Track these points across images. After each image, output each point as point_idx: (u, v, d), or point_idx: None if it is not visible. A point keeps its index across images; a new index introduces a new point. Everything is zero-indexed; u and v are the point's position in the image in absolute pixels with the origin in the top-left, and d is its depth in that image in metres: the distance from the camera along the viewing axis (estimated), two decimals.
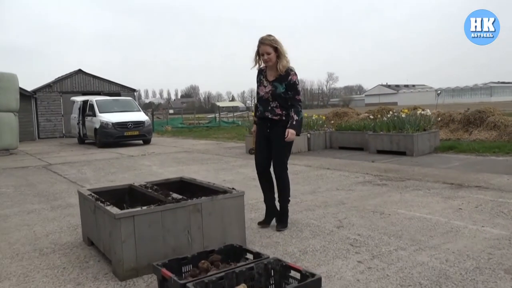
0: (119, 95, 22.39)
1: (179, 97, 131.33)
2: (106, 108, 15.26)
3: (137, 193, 3.81)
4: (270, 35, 3.52)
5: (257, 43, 3.53)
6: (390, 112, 10.40)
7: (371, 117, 10.53)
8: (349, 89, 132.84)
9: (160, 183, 4.06)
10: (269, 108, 3.58)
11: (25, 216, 4.74)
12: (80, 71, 22.57)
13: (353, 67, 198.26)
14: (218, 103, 73.82)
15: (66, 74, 22.44)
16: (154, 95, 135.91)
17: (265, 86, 3.63)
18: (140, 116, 15.23)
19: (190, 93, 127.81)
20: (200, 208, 3.10)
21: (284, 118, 3.56)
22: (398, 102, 79.21)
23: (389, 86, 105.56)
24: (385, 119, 9.56)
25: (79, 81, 22.46)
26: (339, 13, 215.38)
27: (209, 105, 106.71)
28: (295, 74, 3.54)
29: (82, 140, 16.62)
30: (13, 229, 4.22)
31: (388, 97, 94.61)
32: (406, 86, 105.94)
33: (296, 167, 7.71)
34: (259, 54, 3.56)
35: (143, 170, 8.10)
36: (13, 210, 5.07)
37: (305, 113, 12.23)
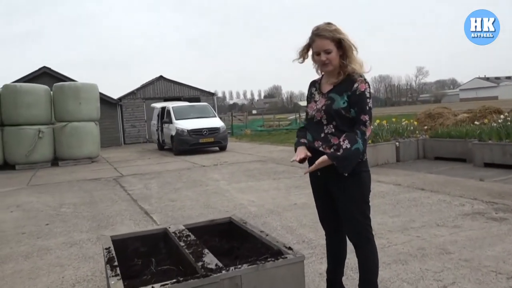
0: (198, 99, 22.45)
1: (262, 97, 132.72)
2: (182, 114, 15.08)
3: (170, 243, 3.00)
4: (330, 24, 2.29)
5: (310, 35, 2.32)
6: (501, 116, 8.54)
7: (476, 123, 8.77)
8: (441, 84, 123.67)
9: (204, 226, 3.23)
10: (322, 135, 2.31)
11: (66, 250, 4.21)
12: (161, 77, 23.03)
13: (445, 59, 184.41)
14: (300, 103, 72.70)
15: (148, 81, 23.03)
16: (238, 96, 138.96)
17: (316, 102, 2.39)
18: (215, 122, 14.80)
19: (273, 93, 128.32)
20: (240, 283, 2.18)
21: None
22: (498, 96, 71.42)
23: (487, 79, 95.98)
24: (495, 124, 7.84)
25: (161, 87, 22.92)
26: None
27: (291, 105, 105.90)
28: (365, 82, 2.26)
29: (161, 146, 16.70)
30: (44, 271, 3.66)
31: (487, 91, 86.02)
32: (509, 78, 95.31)
33: (381, 186, 6.47)
34: (310, 50, 2.36)
35: (210, 187, 7.42)
36: (59, 240, 4.59)
37: (394, 117, 10.80)
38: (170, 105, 15.98)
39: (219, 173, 9.00)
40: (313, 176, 2.47)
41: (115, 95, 22.17)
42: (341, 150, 2.19)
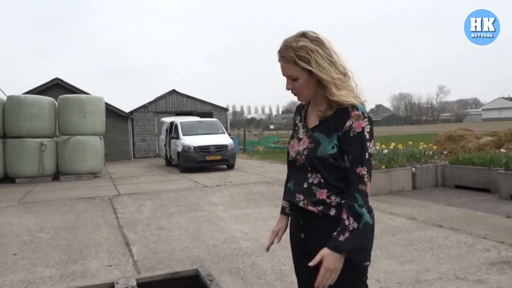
0: (211, 114, 22.02)
1: (280, 112, 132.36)
2: (190, 130, 14.60)
3: None
4: (302, 36, 1.63)
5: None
6: None
7: (503, 150, 7.95)
8: (463, 103, 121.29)
9: (162, 281, 2.61)
10: (305, 185, 1.69)
11: None
12: (174, 91, 22.72)
13: (467, 78, 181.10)
14: None
15: (161, 95, 22.74)
16: (256, 111, 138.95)
17: (299, 139, 1.75)
18: (223, 139, 14.24)
19: (291, 109, 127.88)
20: None
21: (334, 211, 1.62)
22: None
23: (511, 99, 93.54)
24: None
25: (173, 101, 22.60)
26: (448, 13, 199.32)
27: None
28: (364, 117, 1.59)
29: (169, 162, 16.22)
30: None
31: (511, 112, 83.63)
32: None
33: (394, 219, 5.75)
34: None
35: (205, 212, 6.80)
36: (17, 276, 4.03)
37: (413, 137, 10.05)
38: (178, 120, 15.54)
39: (219, 196, 8.38)
40: (293, 233, 1.81)
41: (128, 108, 21.94)
42: (347, 234, 1.51)
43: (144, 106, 22.08)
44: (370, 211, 1.56)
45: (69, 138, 12.51)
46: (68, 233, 5.75)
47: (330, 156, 1.59)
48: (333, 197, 1.61)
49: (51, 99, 12.92)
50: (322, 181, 1.63)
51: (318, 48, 1.59)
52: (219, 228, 5.70)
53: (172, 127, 15.48)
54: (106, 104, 19.01)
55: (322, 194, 1.63)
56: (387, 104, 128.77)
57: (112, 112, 20.06)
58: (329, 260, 1.52)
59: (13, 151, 12.00)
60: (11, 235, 5.71)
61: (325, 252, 1.53)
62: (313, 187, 1.65)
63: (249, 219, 6.14)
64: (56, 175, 12.70)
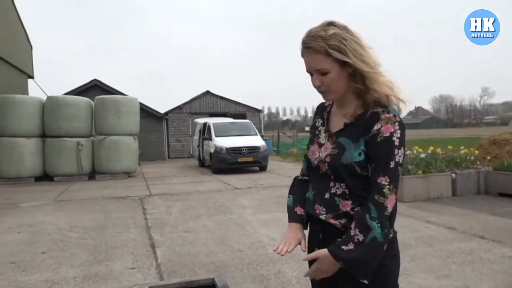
0: (245, 116, 22.00)
1: None
2: (222, 131, 14.58)
3: None
4: (329, 25, 1.42)
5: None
6: None
7: None
8: (509, 105, 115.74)
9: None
10: (327, 195, 1.50)
11: None
12: (208, 92, 22.87)
13: None
14: None
15: (195, 96, 22.92)
16: (291, 112, 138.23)
17: (320, 144, 1.55)
18: (256, 140, 14.13)
19: None
20: None
21: None
22: None
23: None
24: None
25: (207, 102, 22.75)
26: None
27: None
28: (395, 121, 1.39)
29: (202, 163, 16.28)
30: None
31: None
32: None
33: (430, 228, 5.42)
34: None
35: (233, 215, 6.68)
36: (42, 276, 4.04)
37: (450, 145, 9.56)
38: (211, 121, 15.57)
39: (249, 199, 8.25)
40: (312, 245, 1.62)
41: (163, 109, 22.25)
42: (351, 245, 1.36)
43: (178, 107, 22.34)
44: (384, 227, 1.35)
45: (105, 138, 12.77)
46: (97, 232, 5.78)
47: (357, 164, 1.41)
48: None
49: (88, 99, 13.24)
50: (346, 191, 1.46)
51: (350, 36, 1.41)
52: (246, 232, 5.56)
53: (205, 128, 15.52)
54: (142, 105, 19.41)
55: (346, 205, 1.46)
56: (427, 106, 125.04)
57: (147, 113, 20.42)
58: (324, 263, 1.42)
59: (52, 150, 12.36)
60: (42, 233, 5.80)
61: (323, 253, 1.42)
62: (336, 198, 1.48)
63: (278, 224, 5.96)
64: (92, 174, 12.98)
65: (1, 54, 13.70)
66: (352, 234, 1.36)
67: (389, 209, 1.37)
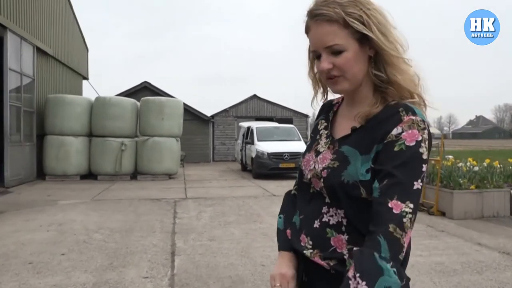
0: (291, 121, 21.59)
1: None
2: (265, 136, 14.29)
3: None
4: None
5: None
6: None
7: None
8: None
9: None
10: (316, 224, 1.12)
11: None
12: (254, 96, 22.71)
13: None
14: None
15: (242, 100, 22.84)
16: None
17: (318, 153, 1.17)
18: (299, 146, 13.68)
19: None
20: None
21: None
22: None
23: None
24: None
25: (253, 106, 22.58)
26: None
27: None
28: (424, 127, 1.00)
29: (244, 167, 16.08)
30: None
31: None
32: None
33: (481, 252, 4.78)
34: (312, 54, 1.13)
35: (263, 225, 6.34)
36: (53, 280, 3.91)
37: (511, 157, 8.64)
38: (254, 125, 15.34)
39: None
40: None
41: (210, 112, 22.36)
42: None
43: (225, 111, 22.36)
44: (401, 276, 0.91)
45: (148, 139, 12.88)
46: (122, 235, 5.65)
47: (362, 185, 1.02)
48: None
49: (133, 100, 13.45)
50: (343, 221, 1.07)
51: (374, 6, 1.05)
52: (273, 244, 5.18)
53: (248, 132, 15.32)
54: (189, 107, 19.61)
55: (339, 242, 1.07)
56: (490, 115, 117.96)
57: (194, 115, 20.59)
58: None
59: (97, 149, 12.64)
60: (69, 233, 5.76)
61: None
62: (328, 229, 1.09)
63: None
64: (134, 174, 13.14)
65: (59, 57, 14.25)
66: (350, 284, 0.91)
67: (405, 249, 0.95)
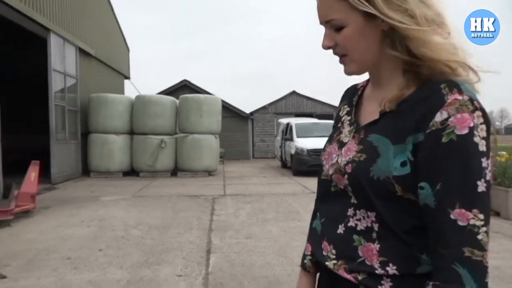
0: (331, 117, 21.14)
1: None
2: (304, 132, 14.02)
3: None
4: None
5: None
6: None
7: None
8: None
9: None
10: (341, 230, 0.92)
11: None
12: (294, 92, 22.44)
13: None
14: None
15: (281, 96, 22.63)
16: None
17: (341, 144, 0.97)
18: None
19: None
20: None
21: (395, 284, 0.83)
22: None
23: None
24: None
25: (293, 103, 22.32)
26: None
27: None
28: (476, 108, 0.76)
29: (284, 164, 15.89)
30: None
31: None
32: None
33: None
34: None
35: (302, 223, 6.13)
36: (90, 275, 3.90)
37: None
38: (293, 121, 15.10)
39: None
40: None
41: (249, 109, 22.32)
42: None
43: (264, 107, 22.24)
44: None
45: (187, 136, 12.96)
46: (159, 232, 5.63)
47: (397, 181, 0.82)
48: (392, 264, 0.84)
49: (172, 98, 13.58)
50: (375, 227, 0.87)
51: None
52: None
53: (287, 128, 15.10)
54: (228, 104, 19.64)
55: (369, 252, 0.87)
56: None
57: (233, 112, 20.60)
58: None
59: (138, 147, 12.87)
60: (108, 229, 5.81)
61: None
62: (355, 237, 0.89)
63: None
64: (175, 171, 13.27)
65: (101, 57, 14.64)
66: None
67: (487, 275, 0.75)
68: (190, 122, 12.95)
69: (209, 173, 13.32)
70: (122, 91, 18.21)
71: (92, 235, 5.45)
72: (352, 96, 1.06)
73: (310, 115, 20.98)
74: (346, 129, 0.99)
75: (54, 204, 7.70)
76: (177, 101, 13.59)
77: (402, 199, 0.82)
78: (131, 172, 13.16)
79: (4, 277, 3.76)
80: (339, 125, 1.04)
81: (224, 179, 12.24)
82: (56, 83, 10.90)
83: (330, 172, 0.96)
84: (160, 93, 18.41)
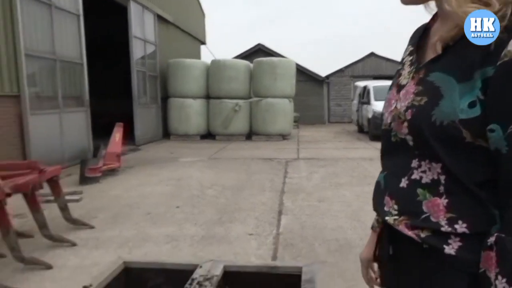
0: None
1: None
2: (382, 95, 13.26)
3: None
4: None
5: None
6: None
7: None
8: None
9: (255, 275, 2.04)
10: (404, 183, 0.81)
11: (156, 247, 3.66)
12: (372, 54, 21.38)
13: None
14: None
15: (358, 59, 21.68)
16: None
17: (400, 87, 0.85)
18: None
19: None
20: None
21: (457, 247, 0.73)
22: None
23: None
24: None
25: (371, 65, 21.32)
26: None
27: None
28: None
29: (360, 129, 15.39)
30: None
31: None
32: None
33: None
34: None
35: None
36: (167, 230, 4.10)
37: None
38: (371, 84, 14.42)
39: None
40: (380, 251, 0.98)
41: (325, 73, 21.73)
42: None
43: (340, 70, 21.51)
44: None
45: (261, 100, 12.98)
46: (232, 193, 5.76)
47: (464, 125, 0.70)
48: (462, 221, 0.73)
49: (246, 62, 13.58)
50: (441, 179, 0.75)
51: None
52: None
53: (364, 91, 14.49)
54: (303, 68, 19.28)
55: (435, 207, 0.76)
56: None
57: (308, 76, 20.20)
58: None
59: (214, 111, 13.19)
60: (186, 188, 6.07)
61: None
62: (420, 190, 0.78)
63: None
64: (249, 135, 13.44)
65: (178, 23, 15.00)
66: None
67: None
68: (264, 85, 12.91)
69: (283, 137, 13.31)
70: (198, 56, 18.61)
71: (170, 194, 5.73)
72: (419, 35, 0.91)
73: (389, 78, 19.89)
74: (406, 70, 0.87)
75: (137, 164, 8.20)
76: (251, 65, 13.57)
77: (473, 146, 0.71)
78: (208, 135, 13.57)
79: (92, 227, 4.09)
80: (400, 67, 0.92)
81: (298, 143, 12.17)
82: (136, 50, 11.39)
83: (389, 120, 0.86)
84: (235, 57, 18.52)
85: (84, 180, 6.23)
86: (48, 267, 3.12)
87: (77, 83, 8.49)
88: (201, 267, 2.03)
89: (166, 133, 13.41)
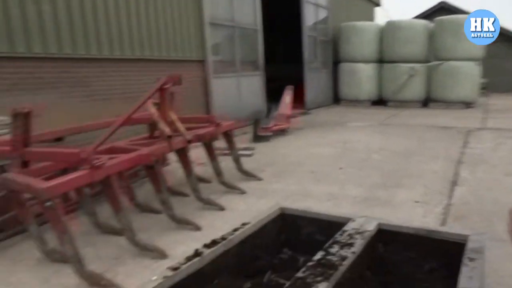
0: None
1: None
2: None
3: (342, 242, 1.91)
4: None
5: None
6: None
7: None
8: None
9: (413, 237, 1.89)
10: None
11: (317, 203, 3.73)
12: None
13: None
14: None
15: None
16: None
17: None
18: None
19: None
20: None
21: None
22: None
23: None
24: None
25: None
26: None
27: None
28: None
29: None
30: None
31: None
32: None
33: None
34: None
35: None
36: (329, 189, 4.15)
37: None
38: None
39: None
40: None
41: None
42: None
43: None
44: None
45: (442, 63, 11.72)
46: (401, 158, 5.45)
47: None
48: None
49: (425, 22, 12.35)
50: None
51: None
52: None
53: None
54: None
55: None
56: None
57: (502, 36, 17.24)
58: None
59: (387, 76, 12.50)
60: (351, 151, 6.00)
61: None
62: None
63: None
64: (426, 102, 12.37)
65: None
66: None
67: None
68: (445, 47, 11.58)
69: (467, 105, 11.82)
70: (372, 19, 17.72)
71: (336, 155, 5.74)
72: None
73: None
74: None
75: (306, 127, 8.41)
76: (431, 25, 12.29)
77: None
78: (379, 101, 12.99)
79: (260, 179, 4.42)
80: None
81: (485, 112, 10.67)
82: (308, 15, 11.48)
83: None
84: (415, 18, 17.02)
85: (257, 138, 6.73)
86: (221, 208, 3.53)
87: (253, 48, 9.07)
88: (354, 221, 2.00)
89: (336, 98, 13.37)
